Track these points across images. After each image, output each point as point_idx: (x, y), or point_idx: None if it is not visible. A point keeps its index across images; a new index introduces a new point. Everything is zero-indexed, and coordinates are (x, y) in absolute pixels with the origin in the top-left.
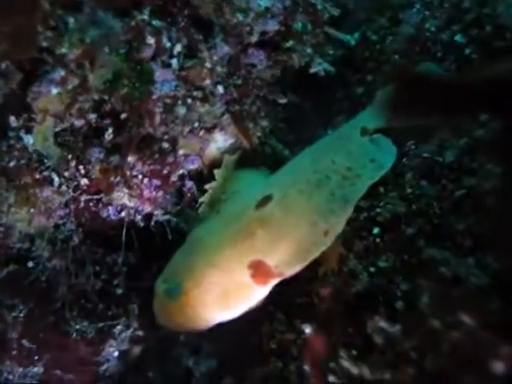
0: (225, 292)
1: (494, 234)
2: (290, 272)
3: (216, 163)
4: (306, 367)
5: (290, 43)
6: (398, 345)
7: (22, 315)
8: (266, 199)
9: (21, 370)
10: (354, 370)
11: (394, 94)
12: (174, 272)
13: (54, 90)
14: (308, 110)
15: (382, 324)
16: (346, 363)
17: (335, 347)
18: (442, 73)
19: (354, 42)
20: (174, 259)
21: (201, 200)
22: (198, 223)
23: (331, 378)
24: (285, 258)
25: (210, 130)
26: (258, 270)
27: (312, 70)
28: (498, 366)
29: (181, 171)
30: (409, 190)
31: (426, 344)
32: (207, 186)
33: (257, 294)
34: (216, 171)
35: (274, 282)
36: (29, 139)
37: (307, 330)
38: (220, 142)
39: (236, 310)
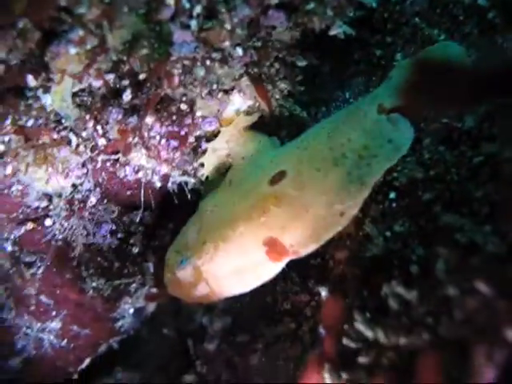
0: (238, 268)
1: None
2: (305, 251)
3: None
4: (320, 329)
5: (310, 6)
6: (413, 310)
7: (39, 272)
8: (280, 175)
9: (39, 324)
10: (369, 334)
11: (411, 77)
12: (186, 244)
13: (73, 50)
14: (325, 71)
15: (398, 289)
16: (360, 326)
17: (350, 310)
18: (463, 59)
19: (375, 4)
20: (186, 229)
21: (203, 159)
22: (208, 191)
23: (345, 341)
24: (300, 238)
25: (228, 92)
26: (273, 248)
27: (332, 33)
28: None
29: (198, 133)
30: (427, 156)
31: (441, 310)
32: (210, 145)
33: (271, 270)
34: (224, 129)
35: (289, 258)
36: (47, 99)
37: (323, 292)
38: (238, 104)
39: (249, 285)
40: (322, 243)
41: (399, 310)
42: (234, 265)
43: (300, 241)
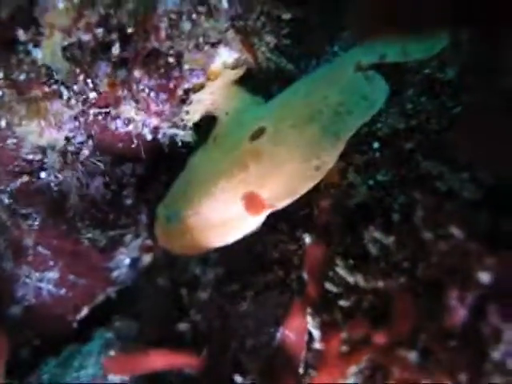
0: (220, 221)
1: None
2: (282, 204)
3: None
4: (304, 274)
5: None
6: (391, 255)
7: (36, 223)
8: (260, 132)
9: (37, 274)
10: (350, 279)
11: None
12: (174, 198)
13: (61, 4)
14: (315, 24)
15: (377, 235)
16: (342, 272)
17: (333, 257)
18: None
19: None
20: (174, 185)
21: (187, 107)
22: (197, 145)
23: (328, 286)
24: (276, 192)
25: (214, 45)
26: (251, 202)
27: None
28: (484, 276)
29: (186, 85)
30: (409, 106)
31: (417, 255)
32: (195, 96)
33: (251, 223)
34: (209, 82)
35: (267, 211)
36: (38, 53)
37: (307, 239)
38: (225, 56)
39: (231, 237)
40: (297, 197)
41: (378, 255)
42: (216, 218)
43: (276, 195)
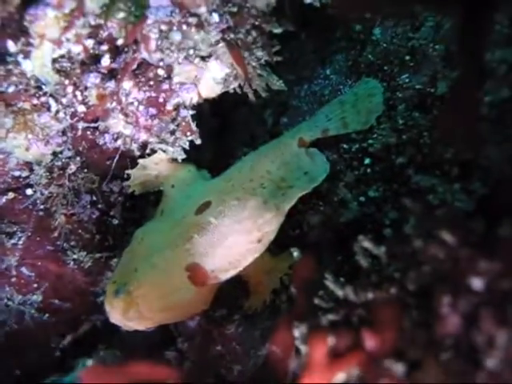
0: (165, 292)
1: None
2: (225, 277)
3: (211, 94)
4: (292, 289)
5: None
6: (382, 266)
7: (20, 242)
8: (205, 205)
9: (20, 297)
10: (339, 292)
11: None
12: (121, 272)
13: (51, 13)
14: (308, 50)
15: (366, 244)
16: (331, 285)
17: (323, 273)
18: None
19: None
20: (121, 259)
21: (130, 171)
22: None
23: (317, 301)
24: (219, 264)
25: (205, 59)
26: (195, 273)
27: (307, 1)
28: (477, 282)
29: (176, 100)
30: (400, 122)
31: (408, 264)
32: (141, 161)
33: (197, 295)
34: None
35: (212, 283)
36: (27, 65)
37: (295, 253)
38: (215, 71)
39: (178, 311)
40: (241, 269)
41: (368, 266)
42: (161, 290)
43: (219, 267)
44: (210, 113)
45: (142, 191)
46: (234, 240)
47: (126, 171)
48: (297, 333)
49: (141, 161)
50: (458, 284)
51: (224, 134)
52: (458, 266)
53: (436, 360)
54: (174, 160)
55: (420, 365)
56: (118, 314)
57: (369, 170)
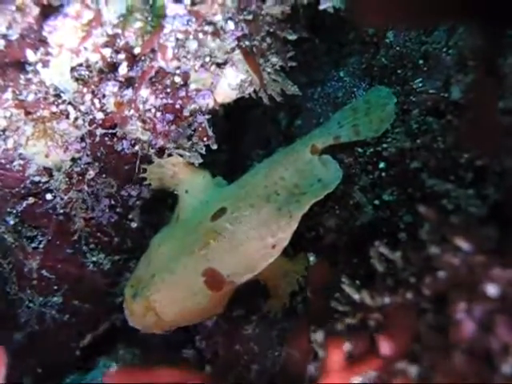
0: (182, 297)
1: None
2: (241, 281)
3: (226, 99)
4: (308, 293)
5: None
6: (397, 270)
7: (41, 246)
8: (221, 211)
9: (41, 299)
10: (356, 296)
11: None
12: (139, 278)
13: (70, 24)
14: (322, 52)
15: (382, 249)
16: (347, 289)
17: (339, 275)
18: None
19: None
20: (138, 265)
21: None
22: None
23: (333, 304)
24: (235, 269)
25: (221, 66)
26: (211, 278)
27: (321, 7)
28: (492, 289)
29: (193, 106)
30: (414, 126)
31: (424, 269)
32: (156, 159)
33: (213, 299)
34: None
35: (229, 288)
36: (46, 73)
37: (311, 257)
38: (231, 77)
39: (195, 314)
40: (255, 273)
41: (384, 271)
42: (177, 295)
43: (235, 272)
44: (225, 115)
45: (157, 186)
46: (249, 246)
47: (143, 166)
48: (314, 337)
49: (158, 159)
50: (473, 290)
51: (238, 136)
52: (473, 272)
53: (450, 365)
54: (191, 164)
55: (434, 369)
56: (137, 318)
57: (383, 174)
